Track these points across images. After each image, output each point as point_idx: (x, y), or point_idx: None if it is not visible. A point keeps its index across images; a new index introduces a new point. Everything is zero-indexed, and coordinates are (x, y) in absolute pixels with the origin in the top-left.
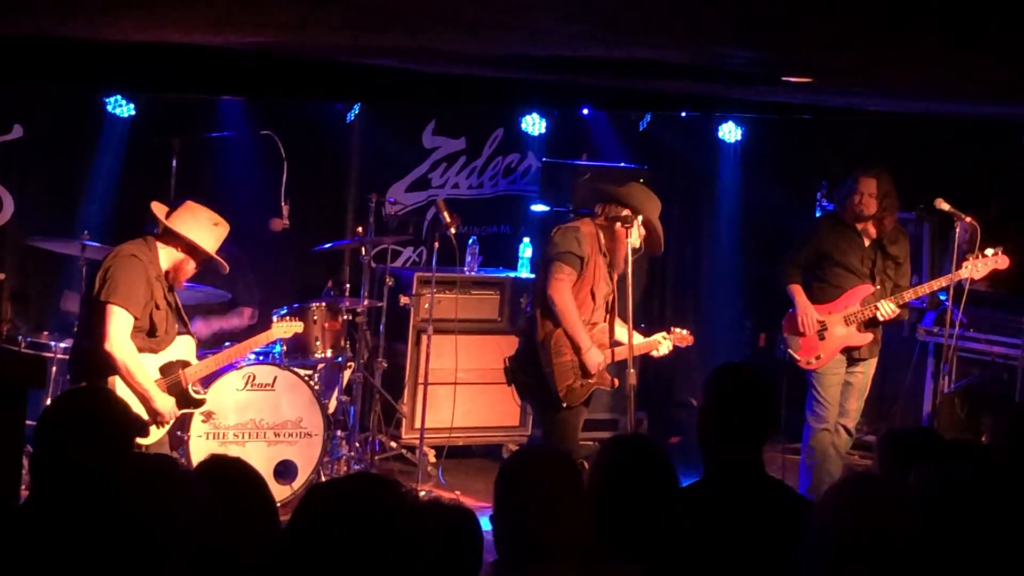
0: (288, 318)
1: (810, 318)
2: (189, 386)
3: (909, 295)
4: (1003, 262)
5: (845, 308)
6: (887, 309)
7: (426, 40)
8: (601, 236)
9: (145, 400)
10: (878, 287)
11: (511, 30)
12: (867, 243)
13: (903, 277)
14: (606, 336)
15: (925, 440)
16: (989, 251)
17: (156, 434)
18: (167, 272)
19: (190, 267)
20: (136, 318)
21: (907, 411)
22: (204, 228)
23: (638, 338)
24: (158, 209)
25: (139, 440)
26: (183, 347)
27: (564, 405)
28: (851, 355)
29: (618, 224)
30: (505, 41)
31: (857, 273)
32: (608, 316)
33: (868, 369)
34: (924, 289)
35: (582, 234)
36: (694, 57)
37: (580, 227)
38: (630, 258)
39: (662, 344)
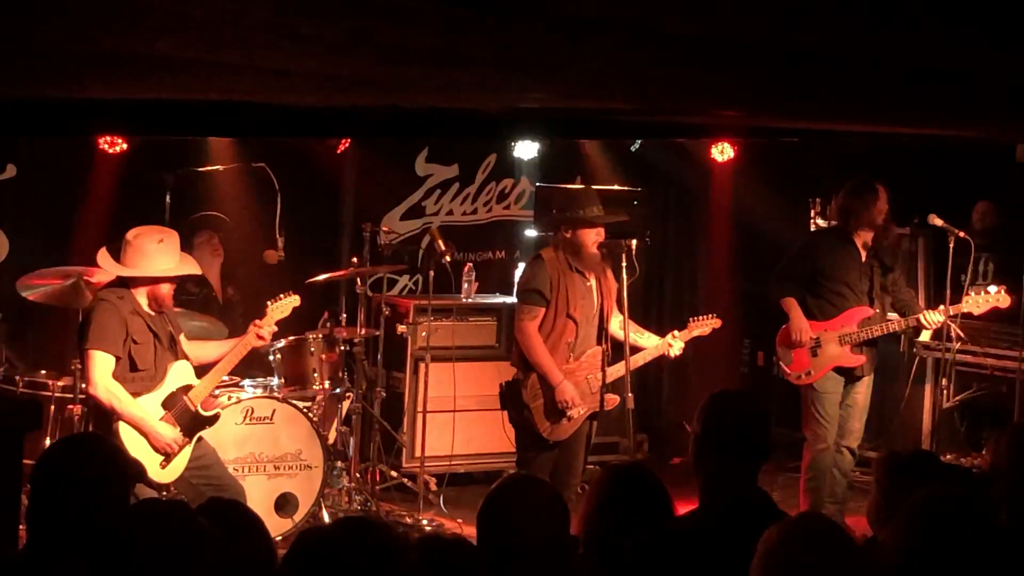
0: (281, 296)
1: (804, 332)
2: (198, 407)
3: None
4: (1004, 300)
5: (841, 327)
6: (933, 319)
7: (402, 100)
8: (567, 255)
9: (145, 434)
10: (877, 310)
11: (481, 91)
12: (864, 258)
13: (902, 289)
14: (598, 359)
15: (924, 462)
16: (993, 288)
17: (175, 471)
18: (150, 303)
19: (165, 290)
20: (117, 357)
21: (906, 426)
22: (150, 256)
23: (652, 339)
24: (104, 261)
25: (160, 480)
26: (180, 373)
27: (551, 443)
28: (850, 373)
29: (570, 236)
30: (474, 100)
31: (855, 291)
32: (602, 331)
33: (866, 388)
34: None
35: (543, 263)
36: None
37: (543, 255)
38: (625, 283)
39: (673, 345)
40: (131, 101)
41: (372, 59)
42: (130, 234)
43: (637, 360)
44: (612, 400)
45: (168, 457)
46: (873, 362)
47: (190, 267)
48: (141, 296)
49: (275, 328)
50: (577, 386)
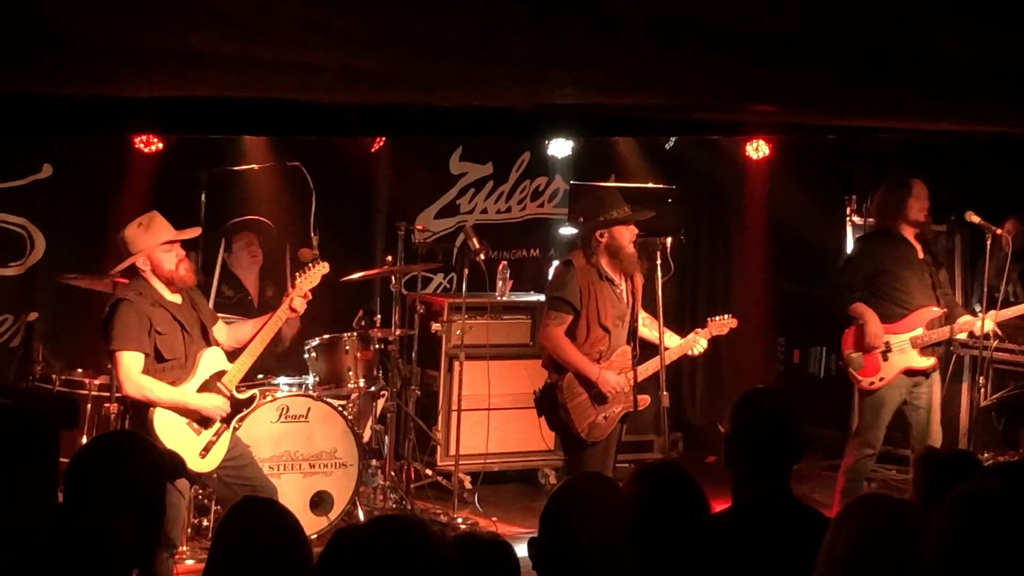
0: (309, 267)
1: (880, 338)
2: (233, 392)
3: (1011, 313)
4: None
5: (910, 330)
6: (984, 325)
7: (435, 96)
8: (599, 260)
9: (189, 411)
10: (944, 308)
11: (516, 85)
12: (921, 256)
13: (951, 287)
14: (626, 358)
15: (962, 461)
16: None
17: (214, 460)
18: (170, 283)
19: (166, 266)
20: (146, 354)
21: (943, 425)
22: (133, 239)
23: (674, 339)
24: (115, 267)
25: (199, 469)
26: (212, 360)
27: (590, 443)
28: (920, 373)
29: (606, 240)
30: (508, 95)
31: (919, 290)
32: (632, 331)
33: (935, 388)
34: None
35: (573, 271)
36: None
37: (573, 262)
38: (660, 281)
39: (697, 343)
40: (164, 99)
41: (404, 54)
42: (120, 232)
43: (672, 353)
44: (643, 400)
45: (208, 446)
46: (938, 360)
47: (186, 232)
48: (157, 284)
49: (309, 296)
50: None
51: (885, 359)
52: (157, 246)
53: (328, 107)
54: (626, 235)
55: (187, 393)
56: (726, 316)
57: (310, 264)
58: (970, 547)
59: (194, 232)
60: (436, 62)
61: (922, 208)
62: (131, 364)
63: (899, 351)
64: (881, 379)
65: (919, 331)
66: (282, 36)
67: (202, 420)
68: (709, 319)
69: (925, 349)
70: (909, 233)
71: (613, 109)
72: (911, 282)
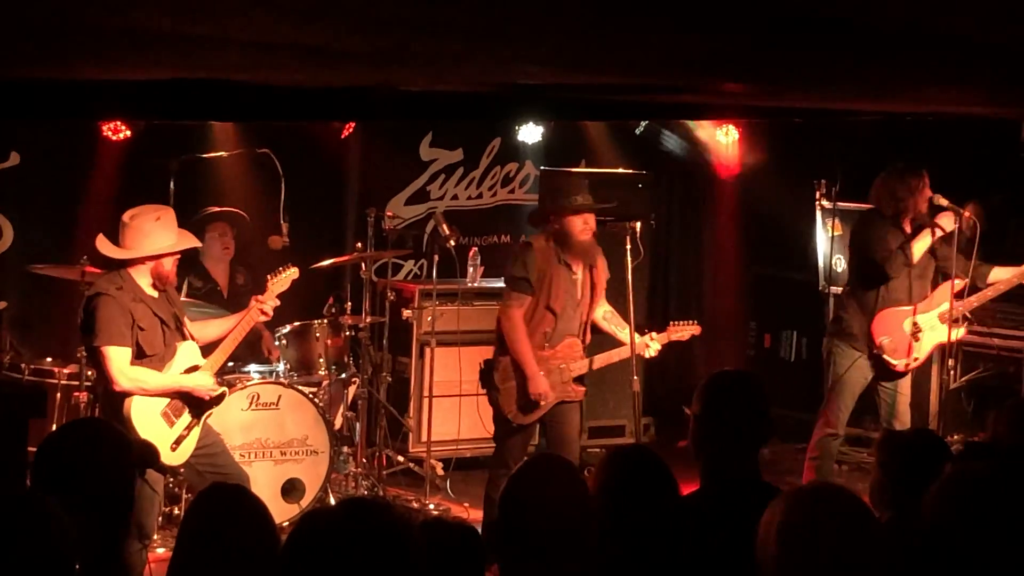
0: (280, 270)
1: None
2: None
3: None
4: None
5: (938, 306)
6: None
7: (391, 77)
8: (557, 247)
9: (181, 393)
10: (968, 280)
11: (471, 63)
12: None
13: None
14: (576, 350)
15: (926, 441)
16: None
17: (185, 453)
18: (153, 283)
19: (167, 267)
20: (130, 347)
21: (913, 407)
22: (150, 234)
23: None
24: (104, 247)
25: (170, 462)
26: (187, 355)
27: (515, 425)
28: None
29: (559, 225)
30: (463, 73)
31: (922, 271)
32: (581, 323)
33: (910, 374)
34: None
35: (533, 252)
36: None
37: (532, 243)
38: (630, 265)
39: (649, 346)
40: (120, 83)
41: (350, 28)
42: (126, 216)
43: (612, 356)
44: (578, 391)
45: (179, 439)
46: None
47: (189, 240)
48: (142, 278)
49: (277, 302)
50: (549, 374)
51: (917, 339)
52: (176, 251)
53: (288, 89)
54: (578, 224)
55: (177, 376)
56: (691, 322)
57: (280, 269)
58: (960, 528)
59: (196, 243)
60: (382, 36)
61: (924, 199)
62: (121, 359)
63: (929, 328)
64: (916, 359)
65: (945, 306)
66: (222, 8)
67: (176, 412)
68: (671, 323)
69: (954, 322)
70: (906, 222)
71: (578, 89)
72: (915, 263)
